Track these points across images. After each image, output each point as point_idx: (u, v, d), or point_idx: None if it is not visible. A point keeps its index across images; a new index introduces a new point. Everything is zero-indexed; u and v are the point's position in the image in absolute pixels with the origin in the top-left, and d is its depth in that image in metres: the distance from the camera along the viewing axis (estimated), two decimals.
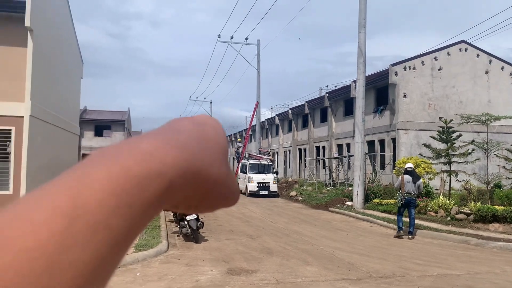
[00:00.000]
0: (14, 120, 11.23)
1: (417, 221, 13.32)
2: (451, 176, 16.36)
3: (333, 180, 27.67)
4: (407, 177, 11.99)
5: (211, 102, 65.26)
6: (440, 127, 16.94)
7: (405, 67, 21.95)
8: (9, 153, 11.36)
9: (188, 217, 10.43)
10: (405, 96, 21.88)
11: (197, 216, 10.63)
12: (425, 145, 17.24)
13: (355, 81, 24.59)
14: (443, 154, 16.48)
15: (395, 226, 13.00)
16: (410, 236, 11.60)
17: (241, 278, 7.24)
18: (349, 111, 27.98)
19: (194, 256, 8.82)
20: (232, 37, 34.74)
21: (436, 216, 14.13)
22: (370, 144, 24.53)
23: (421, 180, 12.32)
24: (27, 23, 11.01)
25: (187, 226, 10.51)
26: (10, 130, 11.25)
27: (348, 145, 27.71)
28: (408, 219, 11.86)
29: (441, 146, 18.08)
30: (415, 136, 21.74)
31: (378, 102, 24.32)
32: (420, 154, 18.23)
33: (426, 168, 17.49)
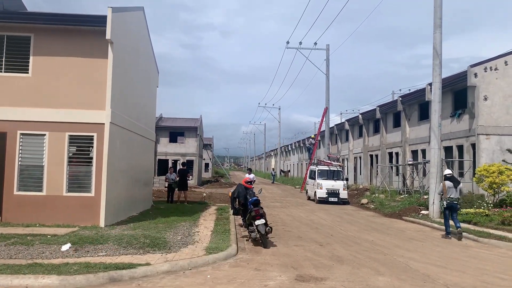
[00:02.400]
0: (96, 126, 12.01)
1: (502, 233, 12.65)
2: None
3: (407, 188, 26.51)
4: (448, 183, 12.97)
5: (279, 108, 65.62)
6: None
7: (485, 68, 20.55)
8: (91, 158, 12.16)
9: (257, 222, 10.52)
10: (486, 99, 20.47)
11: (266, 221, 10.69)
12: (509, 150, 15.99)
13: (430, 84, 23.46)
14: None
15: (476, 237, 12.32)
16: (460, 235, 12.48)
17: (310, 285, 7.14)
18: (424, 115, 26.73)
19: (262, 261, 8.84)
20: (300, 43, 34.67)
21: None
22: (447, 150, 23.22)
23: (461, 185, 13.31)
24: (108, 36, 11.75)
25: (256, 230, 10.60)
26: (92, 136, 12.03)
27: (423, 151, 26.44)
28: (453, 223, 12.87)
29: None
30: (498, 142, 20.23)
31: (456, 106, 22.96)
32: (503, 161, 16.95)
33: (511, 176, 16.22)
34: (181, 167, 22.32)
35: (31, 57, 12.19)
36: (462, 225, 14.42)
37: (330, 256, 9.60)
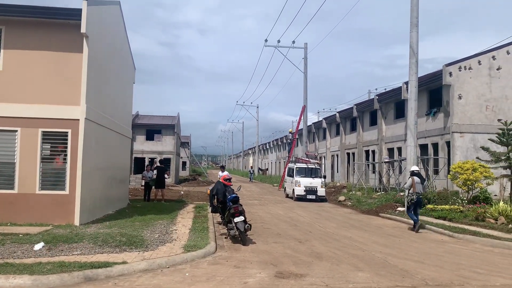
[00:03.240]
0: (70, 122, 11.65)
1: (476, 228, 12.94)
2: None
3: (383, 185, 26.86)
4: (416, 179, 13.68)
5: (257, 107, 65.49)
6: (500, 129, 16.01)
7: (460, 67, 20.96)
8: (65, 155, 11.82)
9: (236, 219, 10.43)
10: (460, 97, 20.88)
11: (245, 218, 10.61)
12: (483, 148, 16.32)
13: (406, 83, 23.81)
14: (503, 157, 15.53)
15: (451, 233, 12.54)
16: (419, 227, 13.37)
17: (290, 282, 7.09)
18: (400, 113, 27.12)
19: (242, 258, 8.76)
20: (279, 41, 34.73)
21: (496, 223, 13.31)
22: (423, 148, 23.61)
23: (426, 181, 14.47)
24: (82, 29, 11.42)
25: (235, 228, 10.50)
26: (66, 132, 11.69)
27: (399, 149, 26.83)
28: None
29: (500, 149, 17.10)
30: (471, 139, 20.68)
31: (431, 104, 23.36)
32: (477, 158, 17.30)
33: (484, 173, 16.58)
34: (159, 164, 22.02)
35: (1, 50, 11.75)
36: (438, 221, 14.73)
37: (309, 252, 9.59)
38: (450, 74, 20.87)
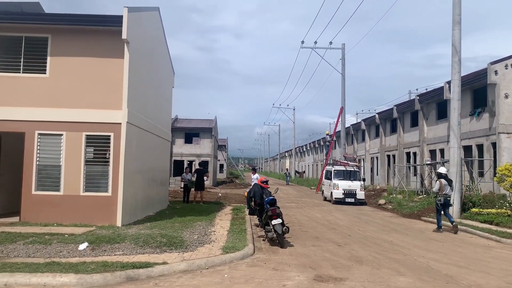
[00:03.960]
0: (113, 126, 12.03)
1: None
2: None
3: (425, 188, 26.07)
4: (443, 181, 14.04)
5: (294, 109, 65.27)
6: None
7: (506, 65, 20.04)
8: (108, 158, 12.20)
9: (274, 222, 10.40)
10: (506, 96, 19.97)
11: (283, 220, 10.57)
12: None
13: (448, 82, 23.05)
14: None
15: (498, 238, 12.03)
16: (456, 229, 13.53)
17: (329, 285, 6.99)
18: (442, 114, 26.27)
19: (280, 261, 8.72)
20: (316, 42, 34.45)
21: None
22: (467, 149, 22.75)
23: (452, 183, 14.63)
24: (124, 35, 11.77)
25: (273, 230, 10.47)
26: (109, 136, 12.07)
27: (442, 150, 25.98)
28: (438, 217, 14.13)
29: None
30: None
31: (475, 104, 22.48)
32: None
33: None
34: (198, 167, 22.37)
35: (48, 58, 12.29)
36: (484, 225, 14.16)
37: (348, 256, 9.43)
38: (496, 72, 20.01)
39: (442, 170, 14.59)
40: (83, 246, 8.69)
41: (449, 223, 14.04)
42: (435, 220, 16.14)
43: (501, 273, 8.11)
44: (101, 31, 12.30)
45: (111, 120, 12.00)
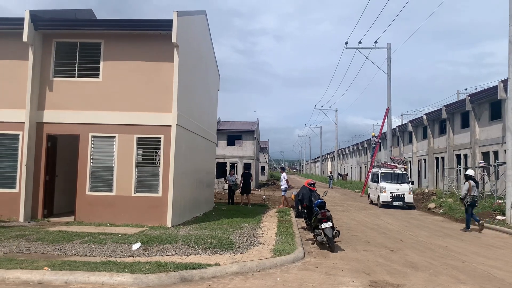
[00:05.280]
0: (163, 129, 12.25)
1: None
2: None
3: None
4: (472, 183, 14.70)
5: (336, 111, 64.24)
6: None
7: None
8: (158, 159, 12.43)
9: (324, 225, 10.22)
10: None
11: (333, 224, 10.37)
12: None
13: (503, 81, 21.98)
14: None
15: None
16: (482, 227, 14.41)
17: None
18: (496, 115, 25.05)
19: (331, 265, 8.54)
20: (360, 42, 33.85)
21: None
22: None
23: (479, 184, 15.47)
24: (173, 39, 11.96)
25: (323, 234, 10.29)
26: (159, 138, 12.30)
27: (496, 152, 24.78)
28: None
29: None
30: None
31: None
32: None
33: None
34: (245, 171, 22.55)
35: (101, 62, 12.67)
36: None
37: (403, 262, 9.11)
38: None
39: (470, 172, 15.24)
40: (136, 246, 8.86)
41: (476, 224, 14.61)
42: (490, 226, 15.46)
43: None
44: (151, 35, 12.56)
45: (162, 123, 12.22)
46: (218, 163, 42.50)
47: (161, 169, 12.21)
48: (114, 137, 12.38)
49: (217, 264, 7.68)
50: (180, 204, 12.79)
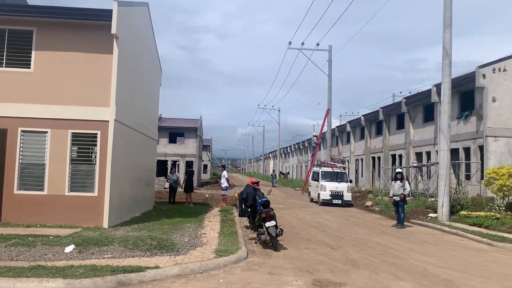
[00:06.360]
0: (100, 124, 11.58)
1: None
2: None
3: (412, 191, 26.15)
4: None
5: (279, 110, 65.06)
6: None
7: (494, 69, 20.23)
8: (95, 157, 11.77)
9: (268, 224, 10.14)
10: (494, 100, 20.15)
11: (276, 223, 10.32)
12: None
13: (436, 85, 23.18)
14: None
15: (490, 241, 12.07)
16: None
17: None
18: (429, 117, 26.41)
19: (275, 265, 8.47)
20: (303, 43, 34.34)
21: None
22: (453, 152, 22.80)
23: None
24: (113, 30, 11.35)
25: (266, 233, 10.21)
26: (96, 134, 11.63)
27: (428, 153, 26.12)
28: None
29: None
30: (506, 144, 19.92)
31: (463, 108, 22.64)
32: None
33: None
34: (189, 169, 22.12)
35: (33, 52, 11.80)
36: (474, 228, 14.24)
37: (344, 260, 9.23)
38: (484, 76, 20.17)
39: (400, 170, 16.55)
40: (69, 248, 8.30)
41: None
42: (424, 223, 16.20)
43: (500, 278, 8.01)
44: (90, 25, 11.86)
45: (99, 118, 11.58)
46: (159, 161, 41.31)
47: (97, 167, 11.57)
48: (46, 132, 11.56)
49: (157, 267, 7.34)
50: (117, 203, 12.20)
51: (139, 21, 14.37)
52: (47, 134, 11.55)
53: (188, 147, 42.91)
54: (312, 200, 26.87)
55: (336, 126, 45.96)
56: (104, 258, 7.86)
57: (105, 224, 11.33)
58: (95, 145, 11.71)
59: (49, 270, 6.69)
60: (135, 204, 14.61)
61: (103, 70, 11.70)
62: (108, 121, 11.57)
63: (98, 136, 11.63)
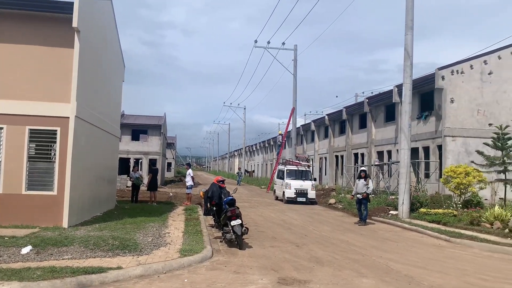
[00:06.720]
0: (60, 120, 11.15)
1: (472, 233, 12.80)
2: (506, 185, 15.35)
3: (373, 188, 26.76)
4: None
5: (244, 108, 65.00)
6: (495, 133, 15.98)
7: (452, 71, 20.98)
8: (54, 154, 11.35)
9: (233, 222, 10.10)
10: (452, 101, 20.90)
11: (242, 221, 10.29)
12: (478, 152, 16.28)
13: (397, 86, 23.79)
14: (497, 162, 15.49)
15: (448, 237, 12.44)
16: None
17: None
18: (390, 117, 27.10)
19: (240, 263, 8.43)
20: (269, 42, 34.46)
21: (492, 228, 13.21)
22: (413, 151, 23.44)
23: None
24: (74, 23, 10.95)
25: (232, 231, 10.16)
26: (55, 130, 11.20)
27: (389, 152, 26.80)
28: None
29: (491, 153, 17.06)
30: (463, 143, 20.70)
31: (422, 108, 23.36)
32: (472, 162, 17.27)
33: (477, 177, 16.52)
34: (153, 167, 21.72)
35: None
36: (432, 225, 14.66)
37: (308, 257, 9.31)
38: (443, 77, 20.88)
39: (365, 168, 16.77)
40: (26, 249, 7.96)
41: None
42: (385, 220, 16.61)
43: (457, 273, 8.29)
44: (50, 17, 11.39)
45: (59, 114, 11.15)
46: (121, 159, 40.42)
47: (57, 165, 11.15)
48: (1, 128, 11.03)
49: (119, 267, 7.15)
50: (78, 202, 11.83)
51: (102, 14, 13.97)
52: (2, 130, 11.03)
53: (151, 144, 42.21)
54: (277, 198, 27.03)
55: (301, 125, 46.47)
56: (63, 259, 7.59)
57: (65, 224, 10.95)
58: (55, 142, 11.29)
59: (4, 273, 6.38)
60: (97, 203, 14.21)
61: (64, 65, 11.29)
62: (68, 117, 11.16)
63: (58, 133, 11.21)
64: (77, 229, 10.71)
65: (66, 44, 11.30)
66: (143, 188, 21.61)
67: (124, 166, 39.26)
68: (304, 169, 26.28)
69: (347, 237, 12.50)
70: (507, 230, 12.59)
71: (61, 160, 11.14)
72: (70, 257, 7.71)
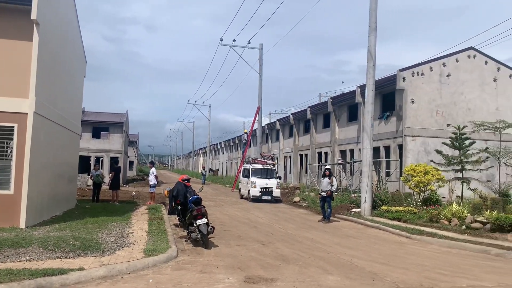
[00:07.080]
0: (17, 116, 10.67)
1: (432, 230, 13.17)
2: (463, 184, 15.96)
3: (337, 187, 27.20)
4: None
5: (209, 106, 64.60)
6: (453, 133, 16.57)
7: (413, 73, 21.62)
8: (10, 151, 10.86)
9: (199, 221, 9.99)
10: (412, 102, 21.53)
11: (208, 220, 10.20)
12: (437, 151, 16.85)
13: (360, 87, 24.29)
14: (455, 161, 16.08)
15: (408, 234, 12.77)
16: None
17: (261, 287, 6.79)
18: (353, 116, 27.63)
19: (206, 263, 8.36)
20: (234, 40, 34.39)
21: (450, 224, 13.71)
22: (375, 150, 24.03)
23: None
24: (33, 16, 10.50)
25: (197, 230, 10.06)
26: (12, 127, 10.71)
27: (352, 151, 27.33)
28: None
29: (449, 153, 17.70)
30: (422, 143, 21.38)
31: (384, 108, 23.96)
32: (432, 161, 17.85)
33: (436, 176, 17.10)
34: (116, 165, 21.20)
35: None
36: (394, 222, 15.03)
37: (275, 255, 9.34)
38: (404, 79, 21.47)
39: (329, 167, 17.03)
40: None
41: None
42: (348, 218, 16.91)
43: (418, 268, 8.52)
44: (7, 9, 10.88)
45: (16, 110, 10.68)
46: (81, 156, 39.25)
47: (13, 163, 10.68)
48: None
49: (81, 269, 6.92)
50: (36, 202, 11.38)
51: (62, 7, 13.50)
52: None
53: (113, 142, 41.24)
54: (242, 197, 27.01)
55: (266, 124, 46.66)
56: (21, 260, 7.28)
57: (22, 224, 10.50)
58: (12, 139, 10.81)
59: None
60: (56, 202, 13.74)
61: (22, 58, 10.82)
62: (26, 113, 10.72)
63: (15, 129, 10.74)
64: (35, 229, 10.31)
65: (25, 37, 10.84)
66: (104, 187, 21.05)
67: (84, 164, 38.19)
68: (270, 167, 26.39)
69: (312, 235, 12.63)
70: (464, 227, 13.08)
71: (19, 158, 10.68)
72: (28, 259, 7.41)
